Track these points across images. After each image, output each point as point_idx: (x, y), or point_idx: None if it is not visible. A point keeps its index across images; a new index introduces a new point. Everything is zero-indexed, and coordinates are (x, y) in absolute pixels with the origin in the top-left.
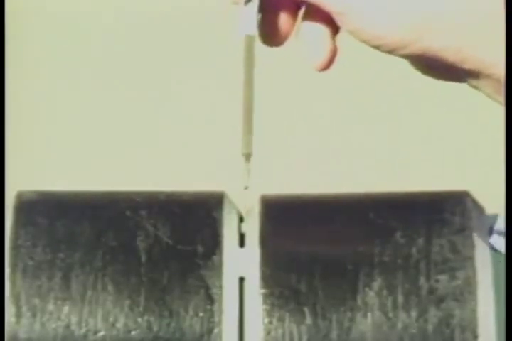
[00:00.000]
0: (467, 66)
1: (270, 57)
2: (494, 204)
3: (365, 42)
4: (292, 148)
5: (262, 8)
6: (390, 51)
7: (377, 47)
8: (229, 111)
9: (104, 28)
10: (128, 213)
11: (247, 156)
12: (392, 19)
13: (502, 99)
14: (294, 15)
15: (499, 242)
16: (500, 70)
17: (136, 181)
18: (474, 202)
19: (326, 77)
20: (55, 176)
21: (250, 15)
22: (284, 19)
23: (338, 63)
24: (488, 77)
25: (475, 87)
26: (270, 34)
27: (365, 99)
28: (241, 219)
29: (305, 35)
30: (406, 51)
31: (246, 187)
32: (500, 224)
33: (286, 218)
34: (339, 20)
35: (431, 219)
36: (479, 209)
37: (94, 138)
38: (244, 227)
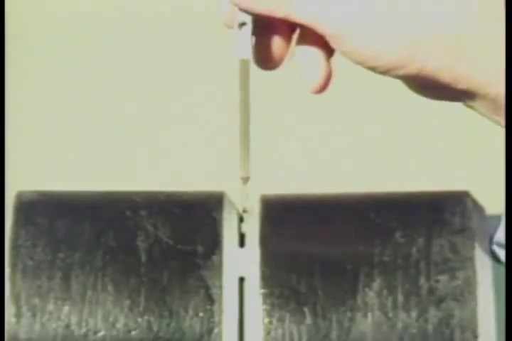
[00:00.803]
0: (461, 86)
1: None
2: (494, 204)
3: (360, 63)
4: (292, 148)
5: (256, 32)
6: (385, 72)
7: (371, 69)
8: (229, 110)
9: (104, 28)
10: (128, 213)
11: (245, 180)
12: (385, 40)
13: (497, 118)
14: (288, 38)
15: (499, 253)
16: (495, 89)
17: (136, 181)
18: (474, 202)
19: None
20: (55, 176)
21: (244, 39)
22: (278, 43)
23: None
24: (483, 97)
25: (470, 107)
26: (264, 58)
27: (365, 100)
28: (241, 219)
29: (300, 58)
30: (400, 72)
31: (244, 211)
32: (500, 237)
33: (286, 218)
34: (333, 42)
35: (431, 219)
36: (479, 209)
37: (95, 138)
38: (244, 227)
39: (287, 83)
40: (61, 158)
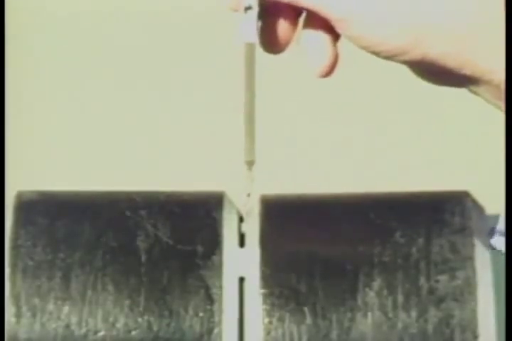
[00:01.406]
0: (466, 72)
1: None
2: (494, 204)
3: (365, 48)
4: (292, 148)
5: (262, 16)
6: (390, 57)
7: (376, 54)
8: (229, 110)
9: (105, 28)
10: (128, 213)
11: (250, 164)
12: (391, 25)
13: (502, 104)
14: (294, 22)
15: (501, 242)
16: (499, 76)
17: (136, 181)
18: (474, 202)
19: (327, 79)
20: (55, 176)
21: (250, 23)
22: (284, 26)
23: (340, 67)
24: (487, 82)
25: (475, 93)
26: (271, 42)
27: (366, 100)
28: (241, 219)
29: (306, 42)
30: (405, 57)
31: (248, 195)
32: (502, 227)
33: (286, 218)
34: (338, 26)
35: (431, 219)
36: (479, 209)
37: (95, 138)
38: (244, 227)
39: (288, 83)
40: (61, 158)
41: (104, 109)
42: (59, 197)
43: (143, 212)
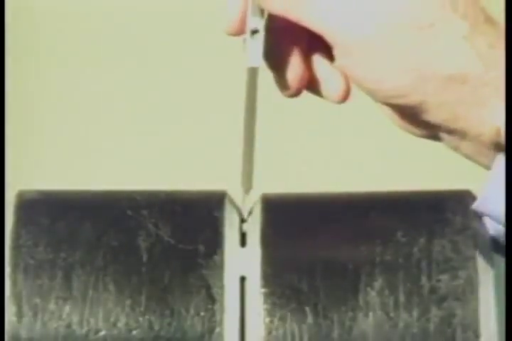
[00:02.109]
0: (457, 125)
1: None
2: None
3: (361, 85)
4: (293, 147)
5: (275, 64)
6: (386, 98)
7: (372, 93)
8: (230, 110)
9: (105, 28)
10: (129, 212)
11: (247, 190)
12: (392, 64)
13: (484, 160)
14: (306, 59)
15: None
16: (488, 129)
17: (138, 180)
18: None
19: None
20: (55, 176)
21: (257, 47)
22: (299, 70)
23: None
24: (473, 138)
25: (454, 148)
26: (288, 87)
27: (366, 99)
28: (242, 219)
29: (318, 70)
30: (402, 101)
31: (244, 220)
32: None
33: (287, 217)
34: (336, 53)
35: (432, 218)
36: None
37: (95, 138)
38: (246, 227)
39: None
40: (61, 157)
41: (105, 108)
42: (60, 197)
43: (144, 212)
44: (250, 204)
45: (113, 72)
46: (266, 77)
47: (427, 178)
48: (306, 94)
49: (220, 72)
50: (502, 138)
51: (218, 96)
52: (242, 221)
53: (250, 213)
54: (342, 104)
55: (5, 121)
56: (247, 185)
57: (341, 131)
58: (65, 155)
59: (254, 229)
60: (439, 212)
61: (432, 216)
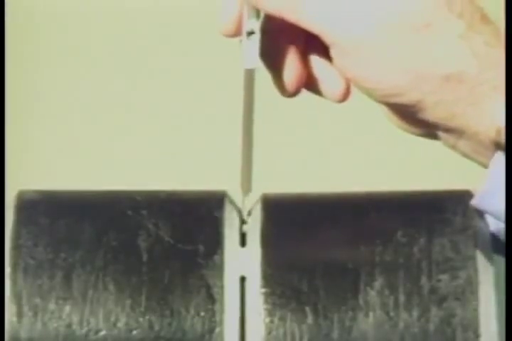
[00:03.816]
0: (455, 123)
1: None
2: None
3: (357, 83)
4: (293, 147)
5: (273, 64)
6: (384, 97)
7: (370, 93)
8: (230, 109)
9: (105, 29)
10: (129, 212)
11: (246, 192)
12: (390, 62)
13: (482, 158)
14: (304, 59)
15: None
16: (485, 128)
17: (138, 180)
18: None
19: None
20: (55, 176)
21: (253, 49)
22: (296, 72)
23: None
24: (470, 136)
25: (452, 146)
26: (285, 88)
27: (366, 98)
28: (242, 219)
29: (317, 70)
30: (400, 99)
31: (244, 221)
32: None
33: (287, 217)
34: (333, 52)
35: (432, 218)
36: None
37: (95, 138)
38: (246, 227)
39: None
40: (61, 157)
41: (105, 109)
42: (60, 197)
43: (144, 212)
44: (250, 204)
45: (113, 72)
46: (265, 77)
47: (427, 178)
48: (306, 95)
49: (219, 74)
50: (501, 136)
51: (218, 96)
52: (242, 221)
53: (250, 213)
54: (342, 104)
55: (5, 121)
56: (246, 187)
57: (341, 131)
58: (65, 155)
59: (254, 229)
60: (439, 212)
61: (432, 216)
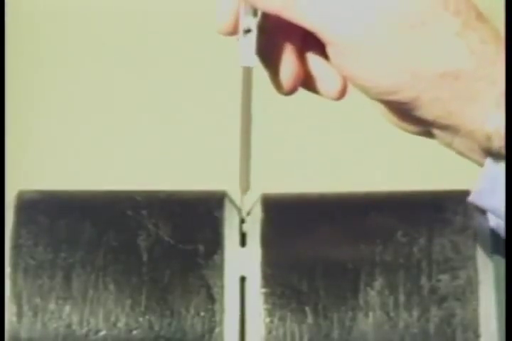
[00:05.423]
0: (450, 121)
1: None
2: None
3: (353, 81)
4: (293, 147)
5: (270, 61)
6: (380, 95)
7: (366, 91)
8: (230, 109)
9: (105, 29)
10: (129, 212)
11: (244, 190)
12: (388, 64)
13: (477, 157)
14: (300, 56)
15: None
16: (480, 126)
17: (138, 180)
18: None
19: None
20: (55, 176)
21: (249, 47)
22: (293, 70)
23: None
24: (465, 134)
25: (447, 144)
26: (283, 86)
27: (365, 98)
28: (242, 220)
29: (314, 68)
30: (396, 97)
31: (244, 220)
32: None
33: (287, 217)
34: (329, 51)
35: (432, 218)
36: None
37: (95, 138)
38: (246, 227)
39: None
40: (61, 157)
41: (105, 108)
42: (60, 197)
43: (144, 212)
44: (250, 204)
45: (113, 72)
46: (262, 75)
47: (427, 178)
48: (304, 93)
49: (218, 73)
50: (492, 143)
51: (217, 96)
52: (242, 221)
53: (250, 213)
54: (342, 105)
55: (5, 121)
56: (245, 185)
57: (341, 131)
58: (65, 155)
59: (254, 229)
60: (439, 212)
61: (432, 216)
